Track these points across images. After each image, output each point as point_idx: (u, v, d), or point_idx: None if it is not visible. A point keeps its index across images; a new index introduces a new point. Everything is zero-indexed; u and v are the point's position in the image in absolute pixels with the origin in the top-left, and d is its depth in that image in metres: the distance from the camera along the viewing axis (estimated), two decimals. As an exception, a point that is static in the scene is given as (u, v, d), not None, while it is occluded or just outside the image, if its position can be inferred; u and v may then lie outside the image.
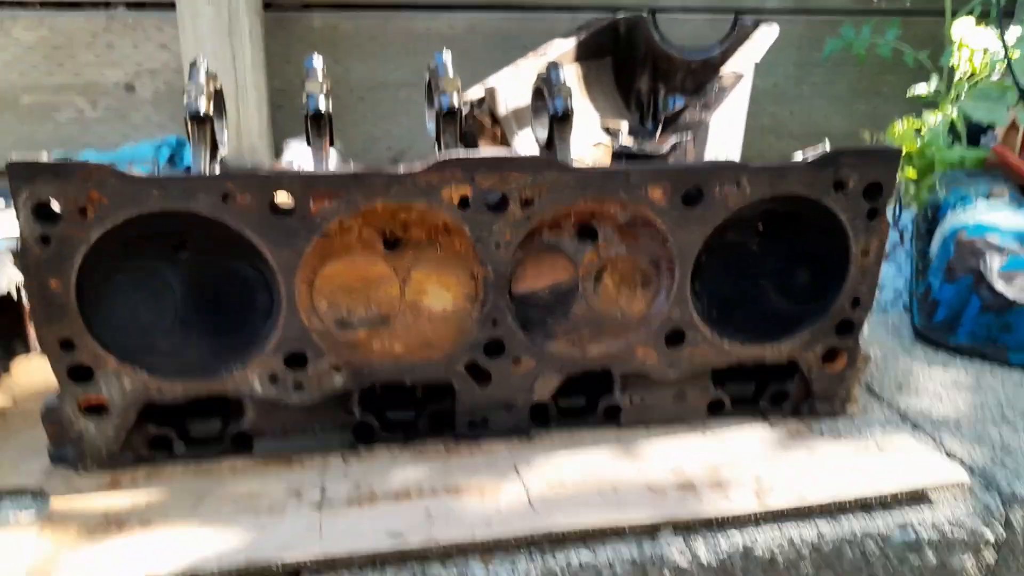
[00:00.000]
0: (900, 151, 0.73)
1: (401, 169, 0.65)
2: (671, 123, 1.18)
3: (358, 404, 0.72)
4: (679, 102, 1.79)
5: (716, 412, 0.79)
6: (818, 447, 0.74)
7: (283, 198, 0.65)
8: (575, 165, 0.69)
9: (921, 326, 1.03)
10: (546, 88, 1.13)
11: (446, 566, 0.60)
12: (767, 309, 0.79)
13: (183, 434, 0.71)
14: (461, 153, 0.66)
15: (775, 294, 0.79)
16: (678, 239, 0.71)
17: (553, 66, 1.10)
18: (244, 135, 1.70)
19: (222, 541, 0.60)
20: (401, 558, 0.59)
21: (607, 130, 1.64)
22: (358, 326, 0.70)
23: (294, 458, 0.71)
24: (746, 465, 0.71)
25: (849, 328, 0.78)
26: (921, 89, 1.76)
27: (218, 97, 1.13)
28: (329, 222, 0.65)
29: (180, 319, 0.69)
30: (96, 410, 0.67)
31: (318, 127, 1.08)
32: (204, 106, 1.08)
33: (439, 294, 0.71)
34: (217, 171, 1.20)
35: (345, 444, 0.73)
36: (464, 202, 0.67)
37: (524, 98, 1.36)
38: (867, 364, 0.80)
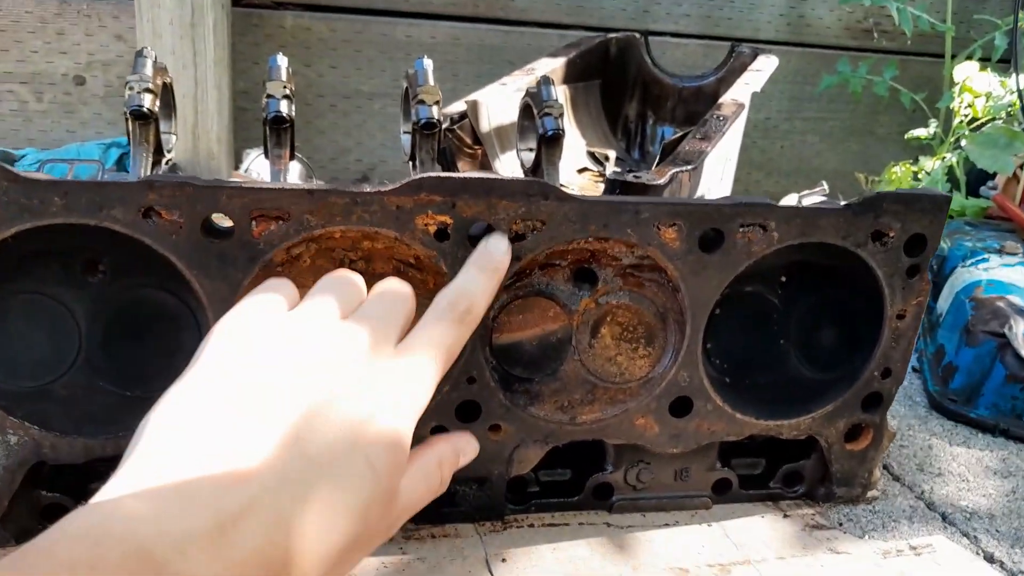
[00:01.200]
0: (949, 198, 0.63)
1: (367, 188, 0.53)
2: (668, 152, 1.08)
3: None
4: (668, 131, 1.70)
5: (721, 493, 0.68)
6: (842, 545, 0.63)
7: (220, 217, 0.53)
8: (574, 193, 0.57)
9: (936, 393, 0.93)
10: (535, 105, 1.01)
11: None
12: (787, 376, 0.68)
13: (82, 502, 0.58)
14: (442, 173, 0.54)
15: (797, 359, 0.68)
16: (691, 289, 0.60)
17: (544, 81, 0.98)
18: (201, 138, 1.56)
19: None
20: None
21: (593, 156, 1.53)
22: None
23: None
24: (760, 565, 0.59)
25: (877, 402, 0.67)
26: (920, 132, 1.69)
27: (166, 93, 1.00)
28: (275, 249, 0.53)
29: (85, 360, 0.56)
30: (-29, 467, 0.54)
31: (278, 134, 0.96)
32: (148, 102, 0.94)
33: (405, 343, 0.59)
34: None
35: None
36: (442, 233, 0.55)
37: (509, 115, 1.25)
38: (891, 441, 0.70)
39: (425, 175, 0.53)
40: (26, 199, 0.49)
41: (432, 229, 0.55)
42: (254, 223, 0.52)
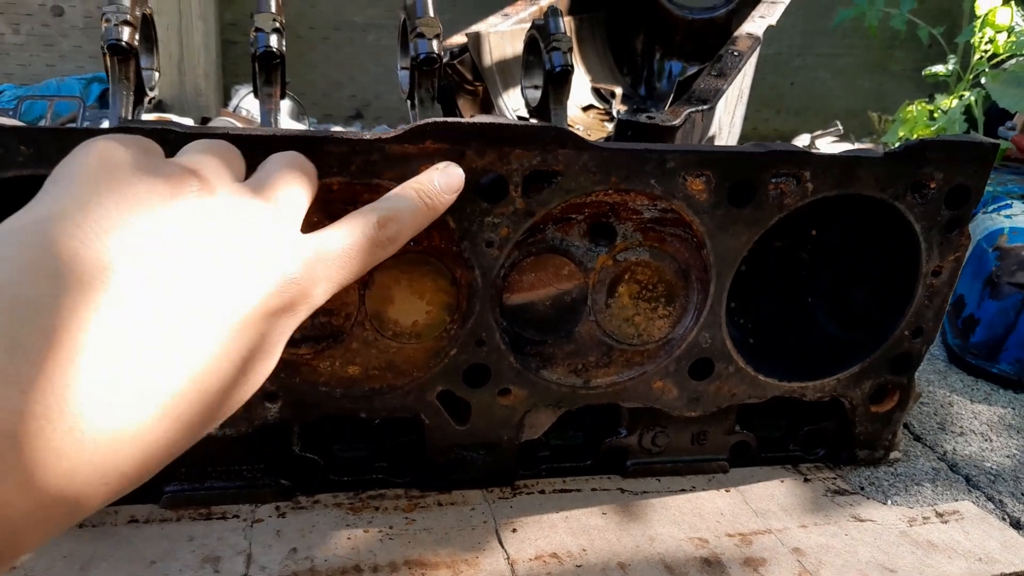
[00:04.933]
0: (997, 145, 0.59)
1: (366, 134, 0.48)
2: (683, 91, 1.02)
3: (299, 441, 0.57)
4: (676, 67, 1.62)
5: (740, 456, 0.65)
6: (865, 511, 0.61)
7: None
8: (595, 142, 0.52)
9: (956, 347, 0.90)
10: (542, 39, 0.95)
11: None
12: (813, 336, 0.64)
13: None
14: (449, 119, 0.49)
15: (824, 318, 0.64)
16: (717, 245, 0.56)
17: (552, 12, 0.92)
18: (187, 74, 1.49)
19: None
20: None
21: (599, 93, 1.47)
22: (301, 341, 0.53)
23: (215, 509, 0.55)
24: (782, 534, 0.57)
25: (907, 363, 0.64)
26: (938, 68, 1.62)
27: (147, 25, 0.94)
28: (265, 204, 0.48)
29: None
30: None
31: (267, 71, 0.90)
32: (126, 35, 0.88)
33: (409, 303, 0.54)
34: (144, 118, 1.01)
35: (281, 491, 0.57)
36: None
37: (513, 49, 1.18)
38: (916, 401, 0.67)
39: (431, 120, 0.48)
40: (-13, 148, 0.44)
41: None
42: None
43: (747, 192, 0.55)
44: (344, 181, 0.49)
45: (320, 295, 0.39)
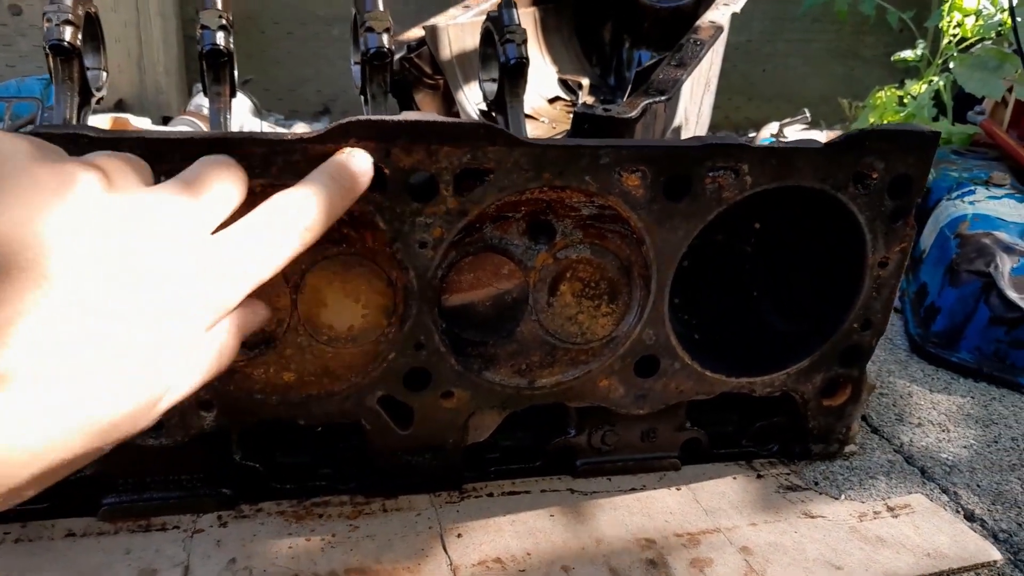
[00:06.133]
0: (938, 134, 0.58)
1: (287, 135, 0.47)
2: (641, 81, 1.01)
3: (239, 448, 0.55)
4: (644, 56, 1.61)
5: (691, 453, 0.64)
6: (816, 507, 0.60)
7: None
8: (530, 129, 0.51)
9: (918, 336, 0.90)
10: (496, 31, 0.94)
11: None
12: (760, 330, 0.63)
13: None
14: (372, 116, 0.48)
15: (770, 311, 0.64)
16: (657, 240, 0.55)
17: (507, 4, 0.91)
18: (148, 71, 1.47)
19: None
20: None
21: (565, 84, 1.45)
22: (233, 347, 0.52)
23: (154, 520, 0.54)
24: (731, 533, 0.56)
25: (856, 355, 0.63)
26: (907, 53, 1.62)
27: (91, 23, 0.92)
28: (186, 210, 0.47)
29: None
30: None
31: (215, 68, 0.88)
32: (68, 35, 0.86)
33: (344, 307, 0.53)
34: (89, 121, 0.99)
35: (222, 501, 0.56)
36: (377, 182, 0.49)
37: (473, 41, 1.17)
38: (870, 394, 0.66)
39: (352, 119, 0.47)
40: None
41: None
42: (162, 178, 0.46)
43: (684, 186, 0.54)
44: (266, 183, 0.47)
45: (231, 301, 0.37)
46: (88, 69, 0.88)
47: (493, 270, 0.56)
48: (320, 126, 0.60)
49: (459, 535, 0.55)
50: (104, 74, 0.94)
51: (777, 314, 0.64)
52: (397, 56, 1.08)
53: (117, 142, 0.45)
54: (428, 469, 0.58)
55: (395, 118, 0.48)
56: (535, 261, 0.56)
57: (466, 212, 0.51)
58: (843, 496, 0.62)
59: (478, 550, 0.53)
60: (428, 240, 0.51)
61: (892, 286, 0.61)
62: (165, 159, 0.45)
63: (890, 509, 0.60)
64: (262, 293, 0.52)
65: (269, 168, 0.47)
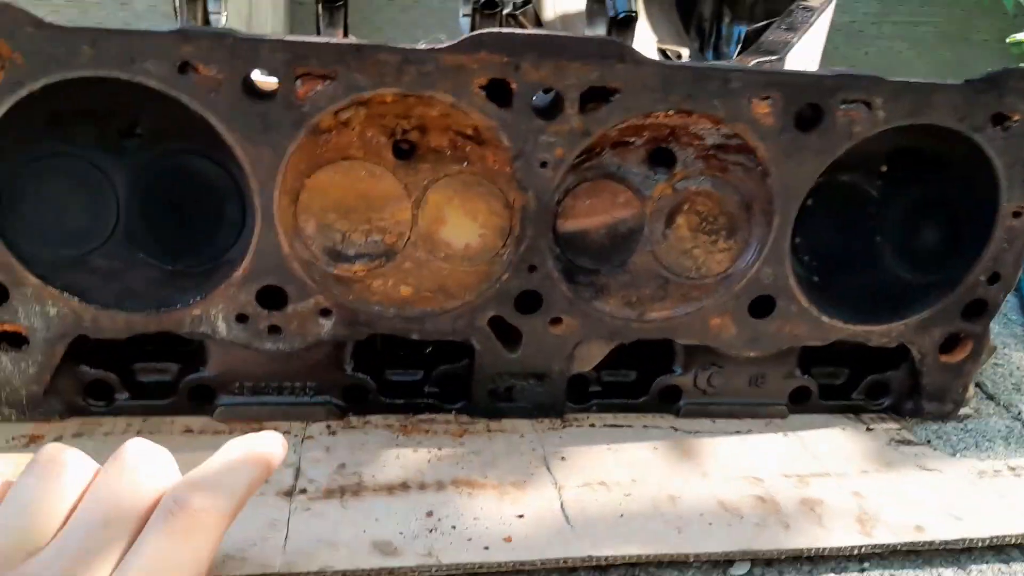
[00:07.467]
0: (1089, 77, 0.55)
1: (421, 45, 0.48)
2: (750, 42, 0.99)
3: (351, 359, 0.57)
4: (744, 32, 1.58)
5: (799, 402, 0.63)
6: (932, 462, 0.58)
7: (262, 76, 0.48)
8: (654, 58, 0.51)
9: (1036, 310, 0.85)
10: (608, -15, 0.93)
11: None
12: (881, 277, 0.61)
13: (127, 381, 0.56)
14: (504, 29, 0.48)
15: (893, 258, 0.61)
16: (783, 174, 0.54)
17: (618, -42, 0.90)
18: (256, 31, 1.51)
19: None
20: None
21: (664, 54, 1.43)
22: (355, 259, 0.54)
23: (265, 423, 0.56)
24: (842, 478, 0.55)
25: (981, 310, 0.60)
26: (1023, 36, 1.54)
27: (212, -31, 0.95)
28: (321, 112, 0.48)
29: (123, 230, 0.53)
30: (12, 340, 0.52)
31: (331, 12, 0.91)
32: (194, -26, 0.89)
33: (462, 225, 0.54)
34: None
35: (332, 409, 0.57)
36: (503, 98, 0.49)
37: (576, 3, 1.16)
38: (991, 356, 0.64)
39: (486, 31, 0.48)
40: (52, 48, 0.45)
41: (492, 94, 0.49)
42: (299, 82, 0.48)
43: (815, 117, 0.52)
44: (398, 93, 0.48)
45: None
46: (210, 13, 0.92)
47: (610, 198, 0.56)
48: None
49: (563, 458, 0.55)
50: (223, 18, 0.98)
51: (900, 261, 0.61)
52: (504, 12, 1.08)
53: (259, 43, 0.47)
54: (533, 394, 0.59)
55: (527, 32, 0.49)
56: (653, 191, 0.56)
57: (589, 133, 0.51)
58: (958, 455, 0.60)
59: (582, 473, 0.53)
60: (549, 160, 0.51)
61: (1025, 239, 0.59)
62: (310, 60, 0.47)
63: (1011, 468, 0.57)
64: (387, 207, 0.53)
65: (401, 77, 0.48)
